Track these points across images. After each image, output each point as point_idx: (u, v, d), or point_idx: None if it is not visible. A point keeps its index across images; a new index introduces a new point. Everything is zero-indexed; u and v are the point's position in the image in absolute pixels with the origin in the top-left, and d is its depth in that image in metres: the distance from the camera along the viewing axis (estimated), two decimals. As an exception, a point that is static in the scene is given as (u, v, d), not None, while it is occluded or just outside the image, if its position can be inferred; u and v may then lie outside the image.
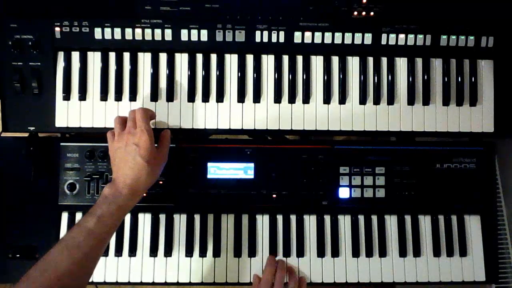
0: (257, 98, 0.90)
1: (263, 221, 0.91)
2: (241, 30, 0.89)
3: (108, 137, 0.82)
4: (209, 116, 0.90)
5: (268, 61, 0.91)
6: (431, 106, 0.92)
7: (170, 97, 0.89)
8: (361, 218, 0.92)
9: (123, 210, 0.74)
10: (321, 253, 0.90)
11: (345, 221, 0.92)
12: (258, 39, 0.89)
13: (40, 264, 0.65)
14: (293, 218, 0.91)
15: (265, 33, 0.89)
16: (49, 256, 0.66)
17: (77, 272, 0.66)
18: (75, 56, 0.89)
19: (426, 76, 0.91)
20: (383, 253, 0.91)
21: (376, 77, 0.91)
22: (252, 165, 0.90)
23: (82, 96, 0.88)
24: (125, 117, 0.83)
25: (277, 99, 0.90)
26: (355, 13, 0.88)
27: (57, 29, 0.87)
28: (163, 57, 0.90)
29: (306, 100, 0.90)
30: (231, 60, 0.90)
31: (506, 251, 0.98)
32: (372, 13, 0.89)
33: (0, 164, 0.90)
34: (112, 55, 0.89)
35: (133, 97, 0.89)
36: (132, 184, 0.75)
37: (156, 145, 0.81)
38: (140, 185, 0.76)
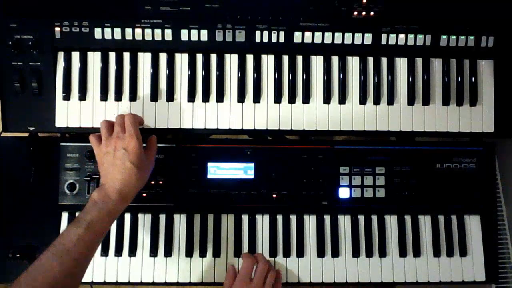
0: (257, 98, 0.90)
1: (263, 221, 0.91)
2: (241, 30, 0.89)
3: (92, 141, 0.81)
4: (209, 116, 0.90)
5: (268, 61, 0.91)
6: (431, 106, 0.92)
7: (170, 97, 0.89)
8: (361, 218, 0.92)
9: (112, 215, 0.74)
10: (321, 253, 0.90)
11: (345, 221, 0.92)
12: (258, 39, 0.89)
13: (30, 270, 0.65)
14: (293, 218, 0.91)
15: (265, 33, 0.89)
16: (39, 262, 0.66)
17: (66, 278, 0.66)
18: (75, 56, 0.89)
19: (426, 76, 0.92)
20: (383, 253, 0.91)
21: (376, 77, 0.91)
22: (252, 165, 0.90)
23: (82, 96, 0.88)
24: (112, 122, 0.81)
25: (277, 99, 0.90)
26: (355, 13, 0.88)
27: (57, 29, 0.87)
28: (163, 57, 0.90)
29: (306, 100, 0.90)
30: (231, 60, 0.90)
31: (506, 251, 0.98)
32: (372, 13, 0.89)
33: (0, 164, 0.90)
34: (112, 55, 0.89)
35: (133, 97, 0.89)
36: (121, 189, 0.74)
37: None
38: (129, 190, 0.76)
